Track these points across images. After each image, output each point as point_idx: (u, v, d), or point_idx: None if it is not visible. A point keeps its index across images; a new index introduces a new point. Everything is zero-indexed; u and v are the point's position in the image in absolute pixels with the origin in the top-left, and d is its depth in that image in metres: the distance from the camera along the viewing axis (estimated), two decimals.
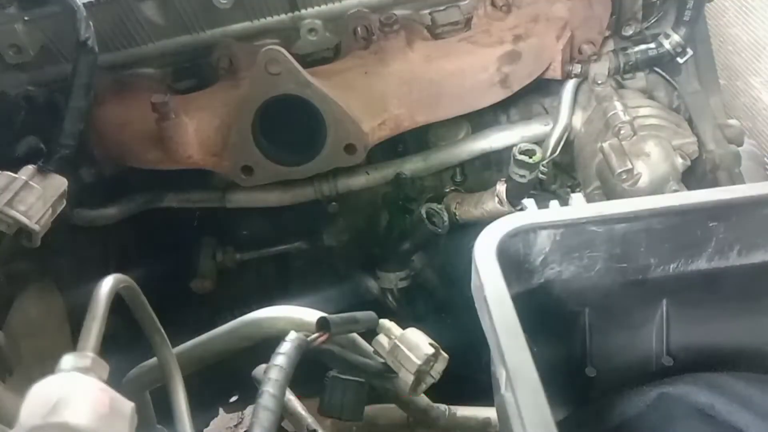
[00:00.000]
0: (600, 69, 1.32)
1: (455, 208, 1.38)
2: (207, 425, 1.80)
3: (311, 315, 0.89)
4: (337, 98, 1.19)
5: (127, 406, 0.56)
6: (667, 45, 1.29)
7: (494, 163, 1.44)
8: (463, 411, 1.09)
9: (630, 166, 1.14)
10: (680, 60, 1.30)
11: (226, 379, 1.33)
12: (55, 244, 1.05)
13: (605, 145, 1.17)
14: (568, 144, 1.33)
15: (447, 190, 1.46)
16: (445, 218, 1.32)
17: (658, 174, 1.16)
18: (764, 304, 0.76)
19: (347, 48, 1.32)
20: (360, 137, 1.22)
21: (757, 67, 1.83)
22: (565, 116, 1.32)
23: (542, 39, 1.27)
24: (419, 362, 0.84)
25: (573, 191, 1.36)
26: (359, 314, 0.87)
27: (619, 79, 1.35)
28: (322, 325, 0.81)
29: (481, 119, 1.41)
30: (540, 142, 1.31)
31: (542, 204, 0.74)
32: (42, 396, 0.52)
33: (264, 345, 0.85)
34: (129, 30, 1.26)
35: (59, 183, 1.02)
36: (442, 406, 1.07)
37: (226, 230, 1.54)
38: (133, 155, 1.28)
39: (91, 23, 1.03)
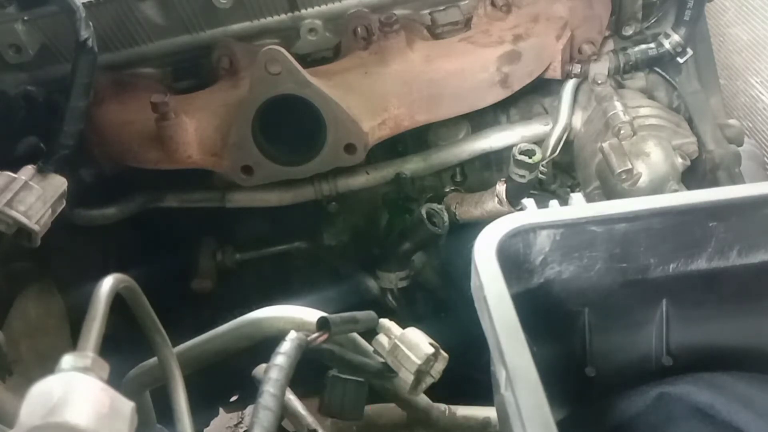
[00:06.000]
0: (600, 69, 1.32)
1: (455, 208, 1.38)
2: (207, 425, 1.80)
3: (311, 315, 0.89)
4: (337, 98, 1.19)
5: (127, 406, 0.56)
6: (667, 45, 1.29)
7: (494, 163, 1.44)
8: (463, 411, 1.09)
9: (630, 166, 1.14)
10: (680, 60, 1.30)
11: (226, 379, 1.33)
12: (55, 244, 1.05)
13: (605, 145, 1.17)
14: (568, 144, 1.33)
15: (447, 190, 1.46)
16: (445, 218, 1.32)
17: (658, 174, 1.16)
18: (764, 304, 0.76)
19: (347, 48, 1.32)
20: (360, 137, 1.22)
21: (757, 67, 1.83)
22: (565, 116, 1.32)
23: (542, 39, 1.27)
24: (419, 362, 0.84)
25: (573, 191, 1.36)
26: (359, 314, 0.87)
27: (619, 79, 1.35)
28: (322, 324, 0.81)
29: (481, 119, 1.41)
30: (540, 142, 1.31)
31: (542, 204, 0.73)
32: (42, 396, 0.52)
33: (264, 345, 0.85)
34: (129, 30, 1.26)
35: (59, 183, 1.02)
36: (442, 406, 1.07)
37: (226, 230, 1.54)
38: (133, 155, 1.28)
39: (90, 23, 1.03)
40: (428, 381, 0.87)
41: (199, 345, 0.95)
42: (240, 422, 2.19)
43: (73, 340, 1.21)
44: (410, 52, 1.27)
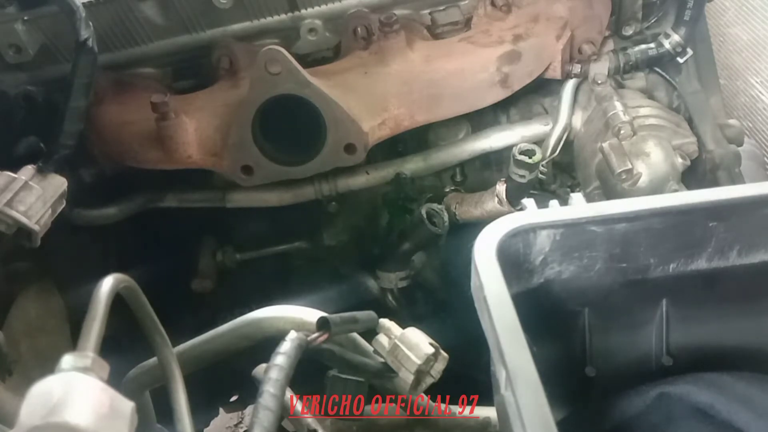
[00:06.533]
0: (600, 69, 1.32)
1: (455, 208, 1.38)
2: (207, 425, 1.80)
3: (311, 315, 0.89)
4: (337, 98, 1.19)
5: (127, 406, 0.56)
6: (667, 45, 1.29)
7: (494, 163, 1.44)
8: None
9: (630, 166, 1.14)
10: (680, 60, 1.30)
11: (226, 379, 1.33)
12: (55, 244, 1.05)
13: (605, 145, 1.17)
14: (568, 144, 1.33)
15: (447, 190, 1.46)
16: (445, 218, 1.32)
17: (658, 174, 1.16)
18: (764, 304, 0.76)
19: (347, 48, 1.32)
20: (360, 137, 1.22)
21: (757, 67, 1.83)
22: (565, 116, 1.32)
23: (542, 39, 1.27)
24: (419, 362, 0.84)
25: (573, 191, 1.36)
26: (359, 314, 0.87)
27: (619, 79, 1.35)
28: (322, 324, 0.81)
29: (481, 119, 1.41)
30: (540, 142, 1.31)
31: (542, 204, 0.73)
32: (42, 396, 0.52)
33: (264, 345, 0.85)
34: (129, 30, 1.26)
35: (59, 183, 1.03)
36: (442, 406, 1.07)
37: (226, 230, 1.54)
38: (132, 155, 1.28)
39: (90, 23, 1.03)
40: (428, 381, 0.87)
41: (199, 345, 0.95)
42: (240, 422, 2.19)
43: (73, 340, 1.21)
44: (410, 52, 1.27)
